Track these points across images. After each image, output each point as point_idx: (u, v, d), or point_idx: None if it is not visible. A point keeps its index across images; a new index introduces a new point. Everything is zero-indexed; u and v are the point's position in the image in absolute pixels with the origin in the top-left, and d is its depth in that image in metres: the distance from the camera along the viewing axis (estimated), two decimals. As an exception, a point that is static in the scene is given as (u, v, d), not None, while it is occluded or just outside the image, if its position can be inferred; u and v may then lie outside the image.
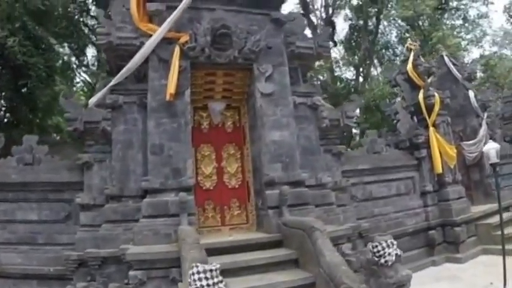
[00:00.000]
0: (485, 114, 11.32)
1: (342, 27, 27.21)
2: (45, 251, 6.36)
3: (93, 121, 6.66)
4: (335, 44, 25.87)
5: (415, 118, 9.99)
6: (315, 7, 25.45)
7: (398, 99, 13.56)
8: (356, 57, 24.15)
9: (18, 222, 6.49)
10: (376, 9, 21.46)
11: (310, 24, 26.01)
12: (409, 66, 10.01)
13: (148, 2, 7.25)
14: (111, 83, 6.87)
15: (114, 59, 7.17)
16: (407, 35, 21.84)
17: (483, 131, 11.02)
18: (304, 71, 8.38)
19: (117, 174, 6.66)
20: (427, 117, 9.56)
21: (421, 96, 9.64)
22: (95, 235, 6.37)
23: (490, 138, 11.77)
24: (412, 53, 10.19)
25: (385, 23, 23.73)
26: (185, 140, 6.84)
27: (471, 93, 11.27)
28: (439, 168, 9.33)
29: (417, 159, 9.56)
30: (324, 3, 25.00)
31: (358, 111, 8.55)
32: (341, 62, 26.29)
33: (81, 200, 6.50)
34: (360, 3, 22.75)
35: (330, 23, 24.91)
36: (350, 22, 25.26)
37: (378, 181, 8.93)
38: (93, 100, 6.91)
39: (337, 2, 24.86)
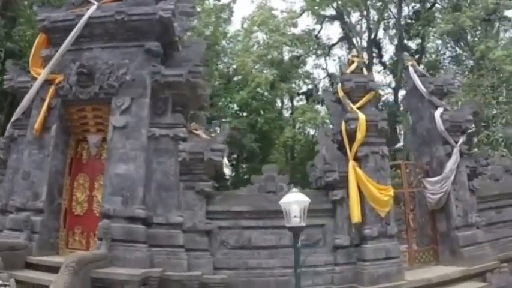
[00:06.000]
0: (461, 140, 7.55)
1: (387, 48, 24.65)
2: None
3: (-6, 149, 8.50)
4: (384, 67, 23.44)
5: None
6: (360, 29, 23.32)
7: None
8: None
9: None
10: (420, 27, 18.91)
11: (353, 47, 24.17)
12: (340, 84, 7.78)
13: (45, 48, 8.59)
14: (12, 119, 8.56)
15: (19, 99, 8.83)
16: (459, 51, 18.16)
17: (453, 163, 7.48)
18: (177, 100, 7.94)
19: (6, 193, 8.23)
20: (347, 147, 7.31)
21: (343, 121, 7.42)
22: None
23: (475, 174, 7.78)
24: (351, 67, 7.84)
25: (439, 42, 20.25)
26: (46, 169, 7.80)
27: (437, 113, 7.76)
28: (356, 216, 7.02)
29: (332, 202, 7.39)
30: (367, 25, 22.92)
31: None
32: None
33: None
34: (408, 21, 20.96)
35: (375, 45, 23.10)
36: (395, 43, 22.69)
37: (263, 227, 7.38)
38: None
39: (381, 22, 22.72)
